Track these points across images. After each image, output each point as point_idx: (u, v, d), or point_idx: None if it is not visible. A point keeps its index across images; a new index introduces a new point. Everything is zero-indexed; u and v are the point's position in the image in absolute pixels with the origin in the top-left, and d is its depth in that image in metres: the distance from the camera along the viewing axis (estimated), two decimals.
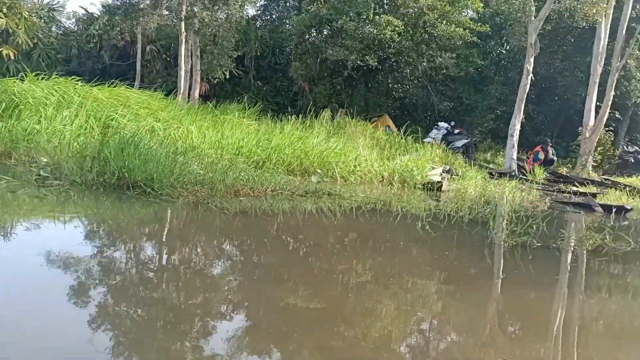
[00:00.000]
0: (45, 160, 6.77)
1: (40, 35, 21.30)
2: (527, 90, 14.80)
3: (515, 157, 14.72)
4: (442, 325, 3.24)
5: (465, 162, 13.68)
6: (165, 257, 4.15)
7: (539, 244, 5.46)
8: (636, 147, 18.55)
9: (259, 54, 21.64)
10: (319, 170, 8.97)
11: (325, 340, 2.76)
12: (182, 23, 15.79)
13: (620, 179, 14.65)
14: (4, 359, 2.21)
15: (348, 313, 3.20)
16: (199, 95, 17.67)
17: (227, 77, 19.68)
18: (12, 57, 19.98)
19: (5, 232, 4.22)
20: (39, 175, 6.02)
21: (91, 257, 3.75)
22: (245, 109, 14.76)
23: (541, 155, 15.57)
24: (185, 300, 3.16)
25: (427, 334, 3.07)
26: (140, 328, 2.72)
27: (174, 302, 3.11)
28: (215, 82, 19.84)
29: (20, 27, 20.12)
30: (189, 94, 16.76)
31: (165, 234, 4.90)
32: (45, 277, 3.26)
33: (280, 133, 10.47)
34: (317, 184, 8.10)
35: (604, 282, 4.65)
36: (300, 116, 13.23)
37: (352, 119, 14.42)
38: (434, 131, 16.84)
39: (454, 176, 11.20)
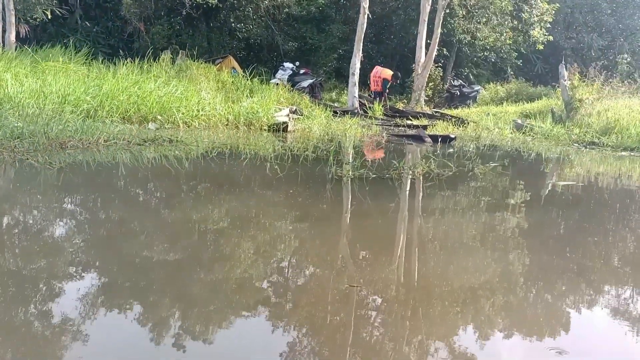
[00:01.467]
0: None
1: None
2: (365, 29, 15.35)
3: (357, 95, 15.39)
4: (296, 261, 3.35)
5: (312, 102, 14.00)
6: None
7: (374, 176, 5.84)
8: (460, 81, 20.50)
9: None
10: (159, 117, 8.54)
11: (185, 289, 2.71)
12: None
13: (448, 111, 16.17)
14: None
15: (206, 260, 3.15)
16: (16, 39, 15.53)
17: (50, 17, 17.55)
18: None
19: None
20: None
21: None
22: (72, 54, 13.33)
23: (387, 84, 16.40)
24: (27, 265, 2.86)
25: (285, 272, 3.15)
26: None
27: (14, 269, 2.79)
28: (36, 23, 17.59)
29: None
30: (2, 38, 14.65)
31: None
32: None
33: (113, 78, 9.68)
34: (155, 131, 7.72)
35: (431, 204, 5.15)
36: (137, 59, 12.33)
37: (194, 61, 13.81)
38: (280, 72, 16.89)
39: (299, 116, 11.42)
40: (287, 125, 9.67)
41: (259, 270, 3.10)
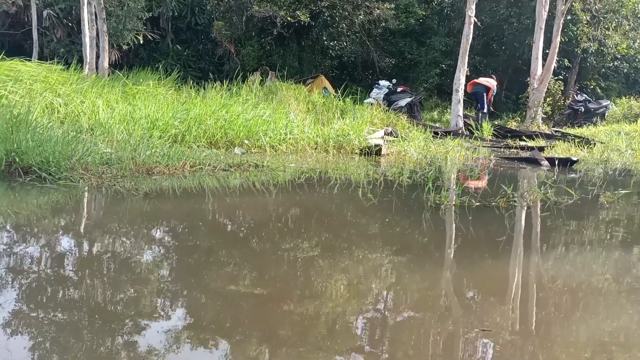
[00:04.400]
0: None
1: None
2: (471, 40, 15.11)
3: (461, 113, 15.10)
4: (400, 302, 3.27)
5: (410, 122, 13.93)
6: (67, 248, 4.02)
7: (478, 203, 5.66)
8: (586, 96, 19.43)
9: (176, 14, 21.03)
10: (246, 141, 8.90)
11: (272, 329, 2.74)
12: None
13: (570, 130, 15.37)
14: None
15: (296, 296, 3.18)
16: (110, 64, 17.01)
17: (141, 42, 19.05)
18: None
19: None
20: None
21: None
22: (162, 77, 14.34)
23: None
24: (112, 298, 3.05)
25: (387, 314, 3.07)
26: (63, 331, 2.61)
27: (97, 300, 2.99)
28: (128, 48, 19.17)
29: None
30: (97, 64, 16.10)
31: (63, 222, 4.74)
32: None
33: (202, 102, 10.28)
34: (241, 156, 8.04)
35: (548, 238, 4.88)
36: (226, 82, 13.01)
37: (284, 81, 14.31)
38: (375, 90, 17.02)
39: (395, 138, 11.39)
40: (380, 149, 9.68)
41: (353, 310, 3.06)
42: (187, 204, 5.53)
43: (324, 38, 21.02)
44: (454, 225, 5.13)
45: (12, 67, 10.21)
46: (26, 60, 11.50)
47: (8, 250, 3.80)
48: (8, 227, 4.41)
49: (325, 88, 16.71)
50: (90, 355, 2.40)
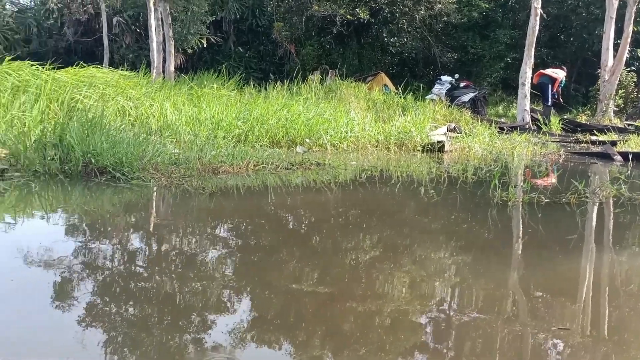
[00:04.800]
0: (4, 151, 6.79)
1: None
2: (537, 32, 14.65)
3: (528, 107, 14.68)
4: (466, 302, 3.21)
5: (474, 118, 13.67)
6: (139, 245, 4.21)
7: (548, 200, 5.50)
8: None
9: (237, 16, 21.46)
10: (307, 140, 9.00)
11: (335, 328, 2.77)
12: None
13: None
14: None
15: (359, 295, 3.18)
16: (176, 67, 17.57)
17: (205, 45, 19.56)
18: None
19: None
20: None
21: (62, 253, 3.78)
22: (225, 79, 14.69)
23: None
24: (181, 292, 3.17)
25: (452, 314, 3.04)
26: (135, 326, 2.74)
27: (168, 296, 3.12)
28: (192, 52, 19.72)
29: None
30: (163, 68, 16.67)
31: (142, 219, 4.95)
32: (22, 280, 3.28)
33: (264, 102, 10.47)
34: (303, 155, 8.14)
35: (623, 235, 4.70)
36: (287, 82, 13.18)
37: (344, 80, 14.35)
38: (437, 86, 16.79)
39: (458, 134, 11.20)
40: (443, 145, 9.55)
41: (417, 310, 3.05)
42: (252, 202, 5.66)
43: (384, 35, 20.90)
44: (522, 222, 5.01)
45: (87, 73, 10.72)
46: (98, 66, 12.07)
47: (86, 246, 4.02)
48: (87, 225, 4.66)
49: (385, 85, 16.63)
50: (158, 350, 2.51)
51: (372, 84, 16.14)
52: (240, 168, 6.80)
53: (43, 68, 9.92)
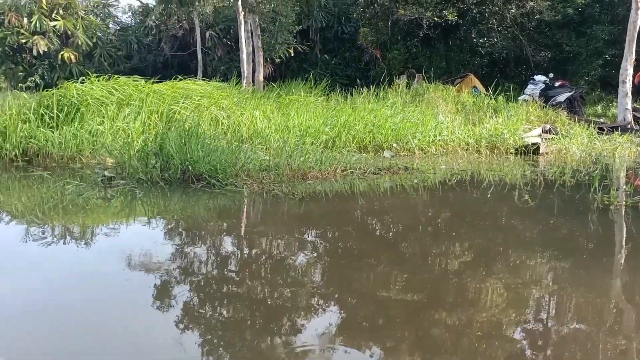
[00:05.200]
0: (110, 160, 7.30)
1: (99, 34, 22.64)
2: (639, 27, 13.75)
3: (629, 106, 13.79)
4: (565, 312, 3.10)
5: (570, 119, 13.05)
6: (233, 249, 4.39)
7: None
8: None
9: (323, 24, 21.76)
10: (394, 144, 8.97)
11: (424, 336, 2.76)
12: (239, 2, 16.17)
13: None
14: None
15: (449, 302, 3.14)
16: (264, 77, 18.08)
17: (292, 54, 19.98)
18: (74, 60, 21.45)
19: (77, 237, 4.64)
20: (104, 176, 6.51)
21: (165, 256, 4.02)
22: (312, 87, 14.93)
23: None
24: (271, 295, 3.26)
25: (549, 324, 2.94)
26: (229, 327, 2.87)
27: (259, 298, 3.23)
28: (280, 61, 20.21)
29: (78, 27, 21.50)
30: (253, 78, 17.21)
31: (236, 224, 5.17)
32: (126, 280, 3.54)
33: (351, 108, 10.56)
34: (390, 159, 8.12)
35: None
36: (373, 87, 13.20)
37: (431, 83, 14.16)
38: (530, 87, 16.15)
39: (554, 136, 10.74)
40: (538, 147, 9.20)
41: (511, 320, 2.96)
42: (340, 207, 5.73)
43: (473, 36, 20.41)
44: (625, 227, 4.74)
45: (183, 86, 11.28)
46: (192, 78, 12.65)
47: (186, 249, 4.25)
48: (187, 229, 4.92)
49: (474, 87, 16.22)
50: (250, 350, 2.61)
51: (460, 86, 15.80)
52: (328, 173, 6.90)
53: (144, 82, 10.55)
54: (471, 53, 20.49)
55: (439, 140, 9.35)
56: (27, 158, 7.89)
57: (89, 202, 5.77)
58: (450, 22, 17.95)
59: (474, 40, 20.51)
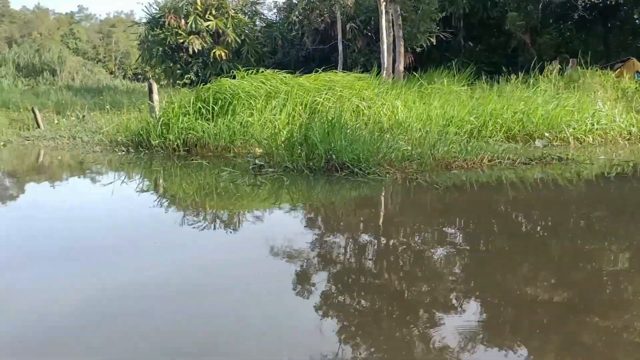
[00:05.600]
0: (259, 150, 7.72)
1: (247, 32, 23.93)
2: None
3: None
4: None
5: None
6: (381, 238, 4.44)
7: None
8: None
9: (467, 10, 21.03)
10: (546, 134, 8.48)
11: (574, 336, 2.63)
12: None
13: None
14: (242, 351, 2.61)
15: (598, 304, 2.95)
16: (405, 67, 17.94)
17: (434, 43, 19.60)
18: (224, 57, 22.90)
19: (229, 222, 4.98)
20: (255, 164, 6.91)
21: (312, 242, 4.19)
22: (455, 75, 14.55)
23: None
24: (409, 288, 3.25)
25: None
26: (366, 317, 2.90)
27: (398, 290, 3.23)
28: (420, 50, 19.93)
29: (228, 26, 22.90)
30: (393, 68, 17.15)
31: (379, 213, 5.22)
32: (272, 264, 3.71)
33: (498, 96, 10.15)
34: (542, 149, 7.69)
35: None
36: (521, 74, 12.56)
37: (587, 68, 13.14)
38: None
39: None
40: None
41: None
42: (487, 198, 5.54)
43: (635, 17, 18.57)
44: None
45: (326, 77, 11.57)
46: (333, 70, 12.92)
47: (329, 236, 4.38)
48: (331, 216, 5.06)
49: (637, 72, 14.78)
50: (387, 342, 2.60)
51: (621, 71, 14.48)
52: (474, 163, 6.71)
53: (289, 76, 10.98)
54: (633, 35, 18.68)
55: (597, 129, 8.67)
56: (186, 148, 8.59)
57: (241, 188, 6.15)
58: (609, 3, 16.51)
59: (637, 21, 18.66)
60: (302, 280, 3.37)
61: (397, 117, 9.44)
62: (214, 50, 22.70)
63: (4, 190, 6.53)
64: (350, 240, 4.27)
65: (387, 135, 7.79)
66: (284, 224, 4.75)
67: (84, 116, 12.60)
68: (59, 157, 8.96)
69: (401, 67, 17.20)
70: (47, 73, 27.72)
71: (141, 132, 9.13)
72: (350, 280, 3.37)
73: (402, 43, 17.23)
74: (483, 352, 2.49)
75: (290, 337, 2.65)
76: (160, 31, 22.97)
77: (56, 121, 12.34)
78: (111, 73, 37.91)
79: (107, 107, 13.01)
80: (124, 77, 36.92)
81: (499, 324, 2.80)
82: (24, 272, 3.44)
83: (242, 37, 23.45)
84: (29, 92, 18.33)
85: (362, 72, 14.52)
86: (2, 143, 10.04)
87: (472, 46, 21.56)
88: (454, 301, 3.06)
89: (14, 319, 2.77)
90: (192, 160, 7.86)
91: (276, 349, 2.49)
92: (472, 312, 2.91)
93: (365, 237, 4.37)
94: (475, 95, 10.97)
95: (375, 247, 4.12)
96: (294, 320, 2.84)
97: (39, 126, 11.62)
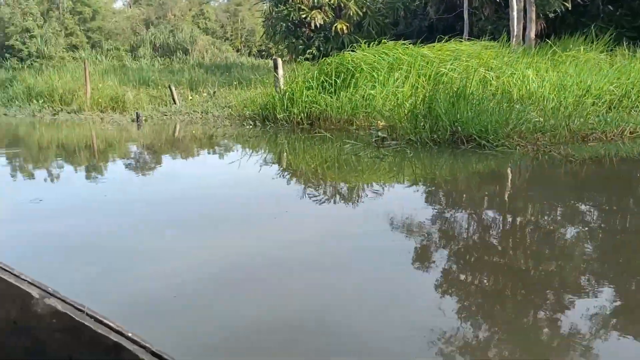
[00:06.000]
0: (382, 122, 7.73)
1: (368, 4, 23.81)
2: None
3: None
4: None
5: None
6: (509, 214, 4.31)
7: None
8: None
9: None
10: None
11: None
12: None
13: None
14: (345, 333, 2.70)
15: None
16: (536, 34, 16.95)
17: (569, 7, 18.30)
18: (346, 31, 23.00)
19: (351, 194, 5.08)
20: (378, 136, 6.94)
21: (435, 217, 4.15)
22: (593, 42, 13.51)
23: None
24: (537, 268, 3.06)
25: None
26: (488, 297, 2.79)
27: (525, 270, 3.07)
28: (554, 16, 18.69)
29: None
30: (523, 36, 16.27)
31: (508, 187, 5.06)
32: (394, 237, 3.70)
33: None
34: None
35: None
36: None
37: None
38: None
39: None
40: None
41: None
42: (627, 173, 5.17)
43: None
44: None
45: (451, 47, 11.25)
46: (458, 39, 12.51)
47: (456, 210, 4.32)
48: (456, 189, 4.98)
49: None
50: (510, 322, 2.50)
51: None
52: (614, 135, 6.26)
53: (412, 46, 10.81)
54: None
55: None
56: (310, 121, 8.81)
57: (363, 160, 6.22)
58: None
59: None
60: (423, 256, 3.33)
61: (528, 87, 8.99)
62: (335, 24, 22.86)
63: (149, 162, 7.14)
64: (476, 216, 4.18)
65: (517, 106, 7.46)
66: (407, 198, 4.75)
67: (214, 92, 13.33)
68: (193, 132, 9.58)
69: (532, 35, 16.27)
70: (180, 52, 29.54)
71: (267, 106, 9.50)
72: (473, 259, 3.30)
73: (534, 9, 16.26)
74: (615, 340, 2.30)
75: (407, 313, 2.59)
76: (284, 7, 23.50)
77: (190, 97, 13.18)
78: (237, 50, 39.43)
79: (235, 83, 13.65)
80: (249, 54, 38.30)
81: (634, 311, 2.58)
82: (163, 237, 3.74)
83: (364, 10, 23.39)
84: (165, 71, 19.68)
85: (490, 40, 13.95)
86: (144, 118, 10.93)
87: (612, 10, 19.82)
88: (586, 285, 2.85)
89: (169, 273, 3.03)
90: (316, 133, 8.06)
91: (393, 324, 2.47)
92: (605, 297, 2.67)
93: (491, 214, 4.25)
94: (616, 63, 10.13)
95: (503, 224, 3.99)
96: (412, 297, 2.79)
97: (175, 102, 12.49)
